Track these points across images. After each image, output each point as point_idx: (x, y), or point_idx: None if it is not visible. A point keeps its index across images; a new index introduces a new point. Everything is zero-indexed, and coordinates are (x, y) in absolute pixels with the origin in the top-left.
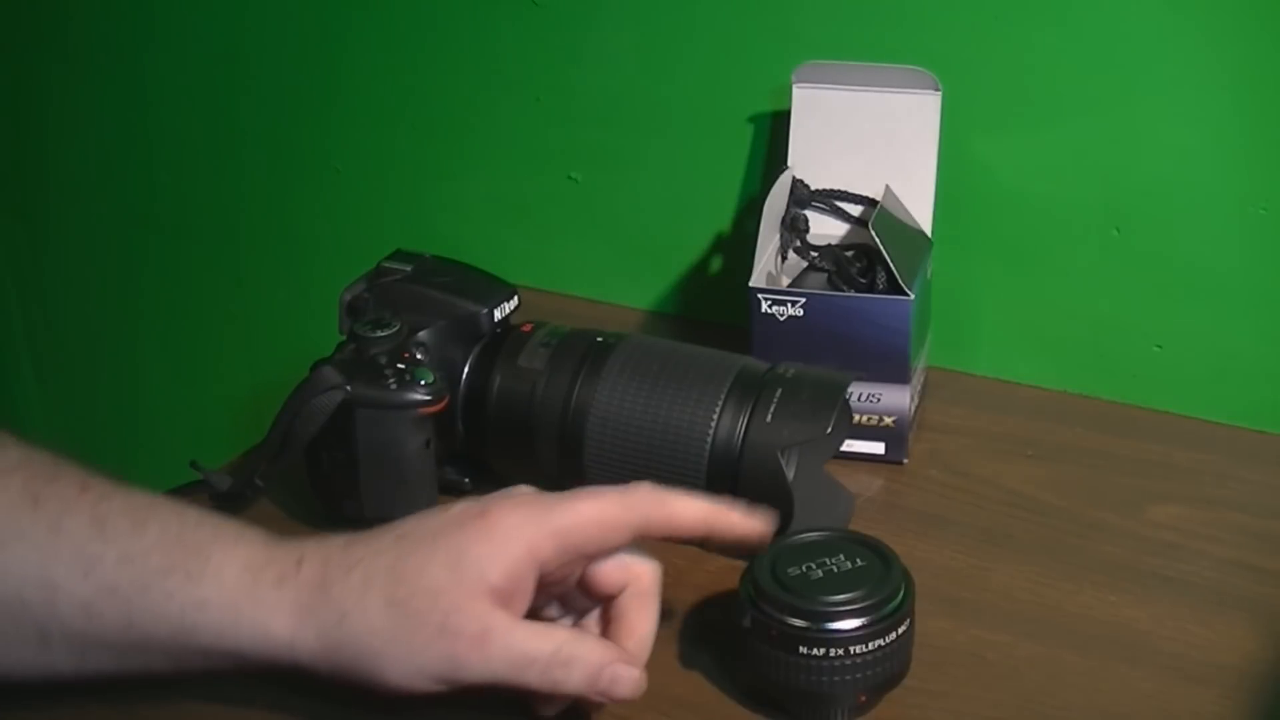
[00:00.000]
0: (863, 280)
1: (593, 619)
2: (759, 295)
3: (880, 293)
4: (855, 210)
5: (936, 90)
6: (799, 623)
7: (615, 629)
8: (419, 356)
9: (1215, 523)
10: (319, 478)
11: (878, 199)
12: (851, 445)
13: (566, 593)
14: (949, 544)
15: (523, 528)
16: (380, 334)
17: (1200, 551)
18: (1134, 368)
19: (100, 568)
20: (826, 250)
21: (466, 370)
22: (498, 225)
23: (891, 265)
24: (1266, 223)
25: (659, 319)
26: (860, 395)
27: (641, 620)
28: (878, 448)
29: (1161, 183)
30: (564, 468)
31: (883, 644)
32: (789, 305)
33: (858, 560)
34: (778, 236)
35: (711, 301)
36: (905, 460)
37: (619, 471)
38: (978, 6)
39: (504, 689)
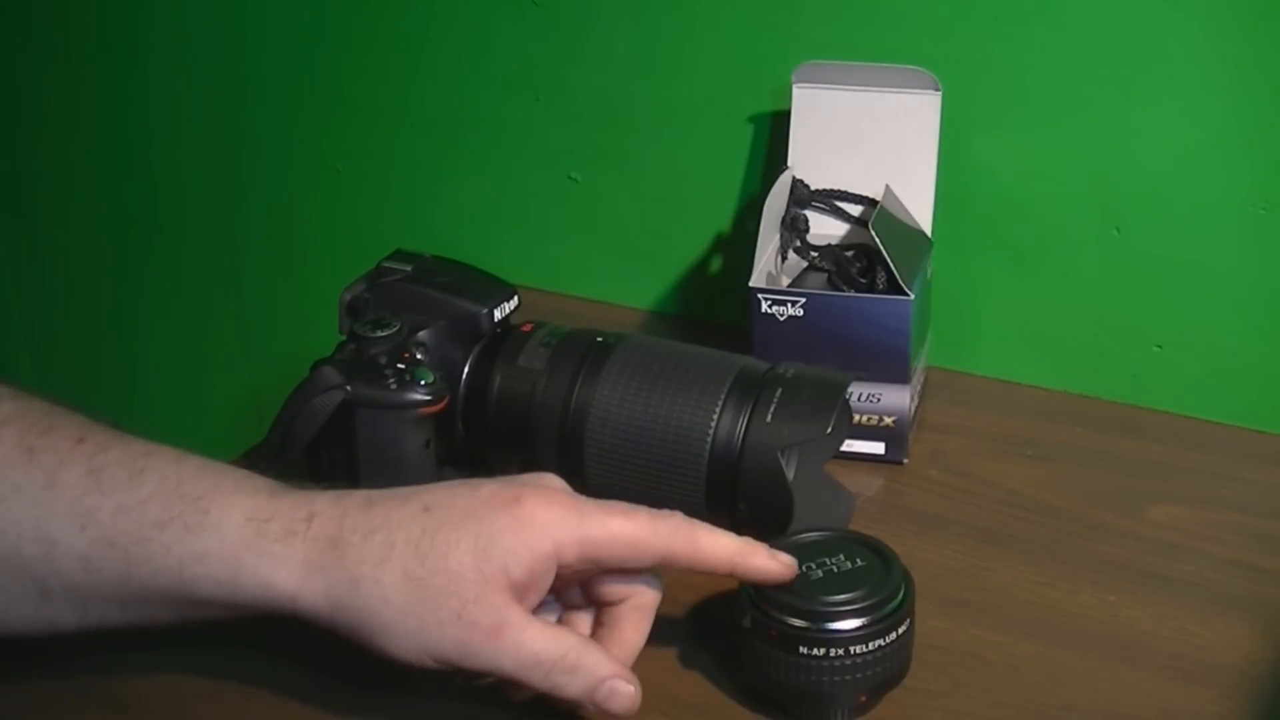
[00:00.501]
0: (863, 280)
1: (583, 617)
2: (759, 295)
3: (880, 293)
4: (855, 210)
5: (936, 90)
6: (799, 623)
7: (605, 634)
8: (419, 356)
9: (1215, 523)
10: (319, 478)
11: (878, 199)
12: (851, 445)
13: (566, 588)
14: (949, 544)
15: (554, 527)
16: (380, 334)
17: (1200, 551)
18: (1134, 368)
19: (97, 521)
20: (826, 250)
21: (466, 370)
22: (498, 225)
23: (891, 265)
24: (1266, 223)
25: (659, 319)
26: (860, 395)
27: (634, 633)
28: (878, 448)
29: (1161, 183)
30: (564, 467)
31: (883, 644)
32: (789, 305)
33: (858, 560)
34: (778, 236)
35: (711, 301)
36: (905, 460)
37: (619, 471)
38: (978, 6)
39: (502, 679)
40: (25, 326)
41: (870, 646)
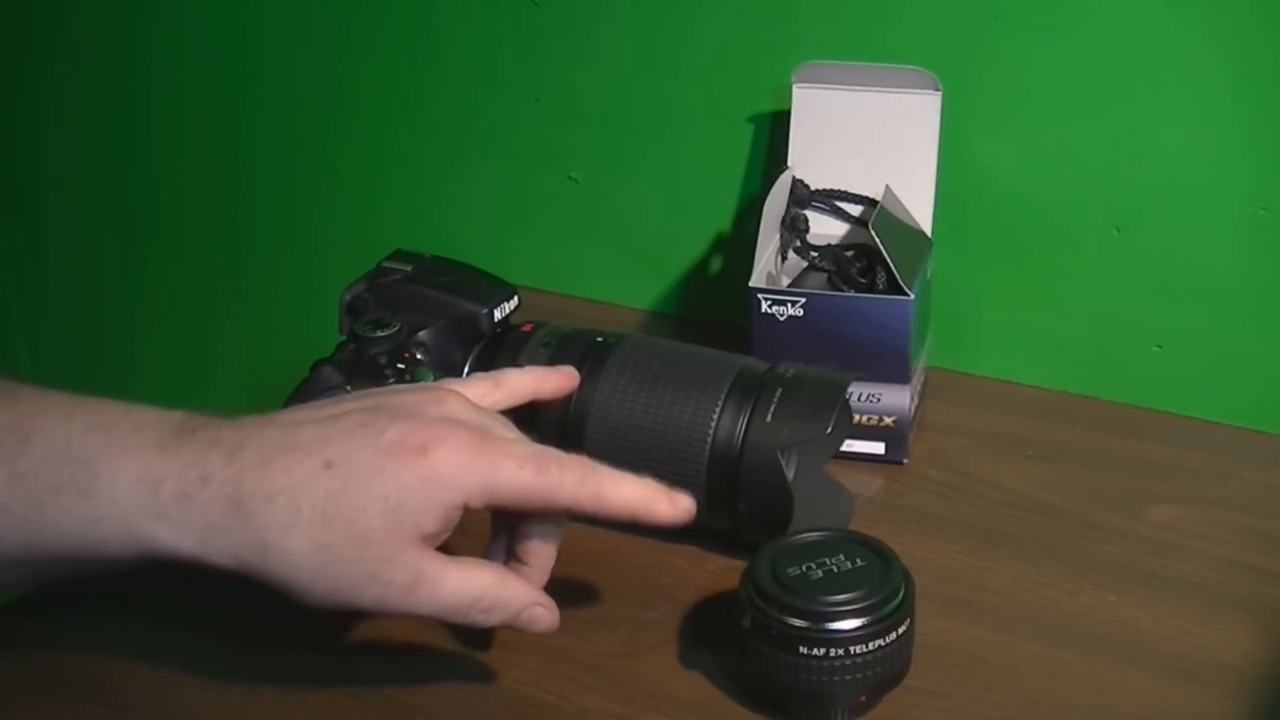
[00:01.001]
0: (863, 280)
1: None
2: (759, 295)
3: (880, 293)
4: (855, 210)
5: (936, 90)
6: (799, 623)
7: (519, 549)
8: (419, 356)
9: (1215, 523)
10: None
11: (878, 199)
12: (851, 445)
13: None
14: (949, 544)
15: (463, 478)
16: (380, 334)
17: (1200, 551)
18: (1134, 368)
19: None
20: (826, 250)
21: (466, 370)
22: (498, 225)
23: (891, 265)
24: (1266, 223)
25: (659, 319)
26: (860, 395)
27: (545, 546)
28: (878, 448)
29: (1161, 183)
30: None
31: (883, 644)
32: (789, 305)
33: (858, 560)
34: (778, 236)
35: (711, 301)
36: (905, 460)
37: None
38: (978, 6)
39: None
40: (25, 325)
41: (870, 646)
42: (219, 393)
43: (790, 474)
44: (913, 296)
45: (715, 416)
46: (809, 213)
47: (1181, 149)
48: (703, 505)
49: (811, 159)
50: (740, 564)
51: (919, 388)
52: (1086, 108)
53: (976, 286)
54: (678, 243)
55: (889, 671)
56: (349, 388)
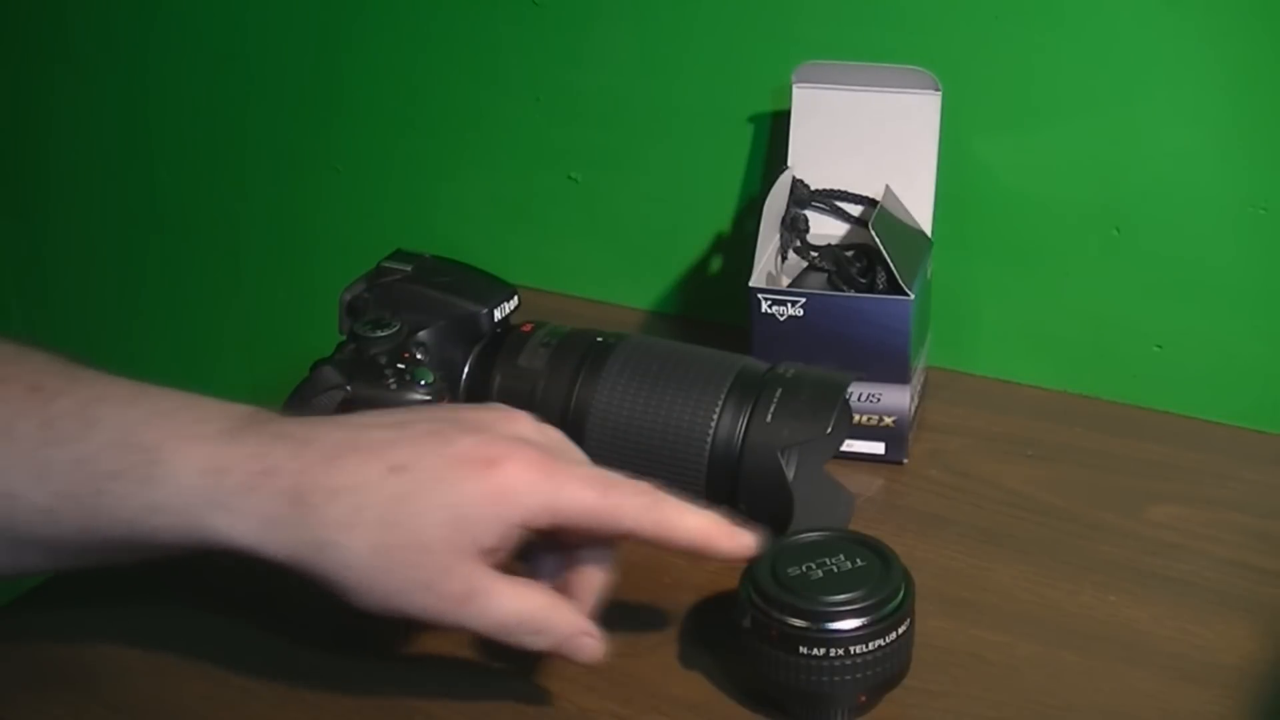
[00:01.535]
0: (863, 280)
1: (549, 556)
2: (759, 295)
3: (880, 293)
4: (855, 210)
5: (936, 90)
6: (799, 623)
7: (571, 576)
8: (419, 356)
9: (1215, 523)
10: None
11: (878, 199)
12: (851, 445)
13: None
14: (949, 544)
15: (527, 497)
16: (380, 334)
17: (1200, 551)
18: (1134, 368)
19: (54, 473)
20: (826, 250)
21: (466, 370)
22: (498, 225)
23: (891, 265)
24: (1266, 223)
25: (659, 319)
26: (860, 395)
27: (597, 574)
28: (878, 448)
29: (1161, 183)
30: None
31: (883, 644)
32: (789, 305)
33: (858, 560)
34: (778, 236)
35: (711, 301)
36: (905, 460)
37: (619, 472)
38: (978, 7)
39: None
40: (25, 326)
41: (870, 646)
42: (219, 393)
43: (790, 474)
44: (913, 296)
45: (715, 416)
46: (809, 213)
47: (1181, 149)
48: (703, 505)
49: (811, 159)
50: (740, 564)
51: (919, 388)
52: (1086, 108)
53: (976, 286)
54: (678, 243)
55: (889, 671)
56: (349, 388)
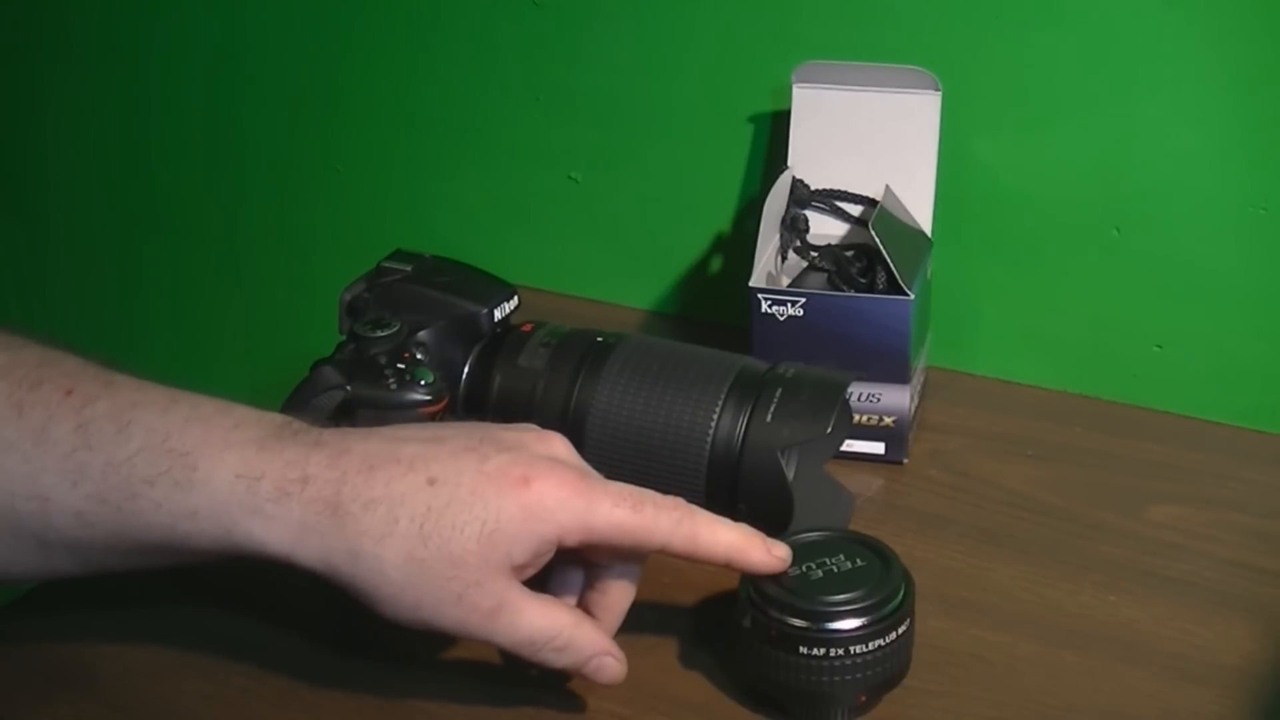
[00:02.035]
0: (863, 280)
1: (574, 573)
2: (759, 295)
3: (880, 293)
4: (855, 210)
5: (936, 90)
6: (799, 623)
7: (595, 597)
8: (419, 356)
9: (1215, 523)
10: None
11: (878, 199)
12: (851, 445)
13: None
14: (949, 544)
15: (560, 514)
16: (380, 334)
17: (1200, 551)
18: (1134, 368)
19: (88, 477)
20: (826, 250)
21: (466, 370)
22: (498, 225)
23: (891, 265)
24: (1266, 223)
25: (659, 319)
26: (860, 395)
27: (621, 597)
28: (878, 448)
29: (1161, 183)
30: None
31: (883, 644)
32: (789, 305)
33: (858, 560)
34: (778, 236)
35: (711, 301)
36: (905, 460)
37: (619, 471)
38: (978, 6)
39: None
40: (25, 325)
41: (870, 646)
42: (219, 393)
43: (790, 474)
44: (913, 296)
45: (715, 416)
46: (809, 213)
47: (1181, 149)
48: (702, 505)
49: (811, 159)
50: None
51: (919, 388)
52: (1086, 108)
53: (976, 286)
54: (678, 243)
55: (889, 671)
56: (349, 388)
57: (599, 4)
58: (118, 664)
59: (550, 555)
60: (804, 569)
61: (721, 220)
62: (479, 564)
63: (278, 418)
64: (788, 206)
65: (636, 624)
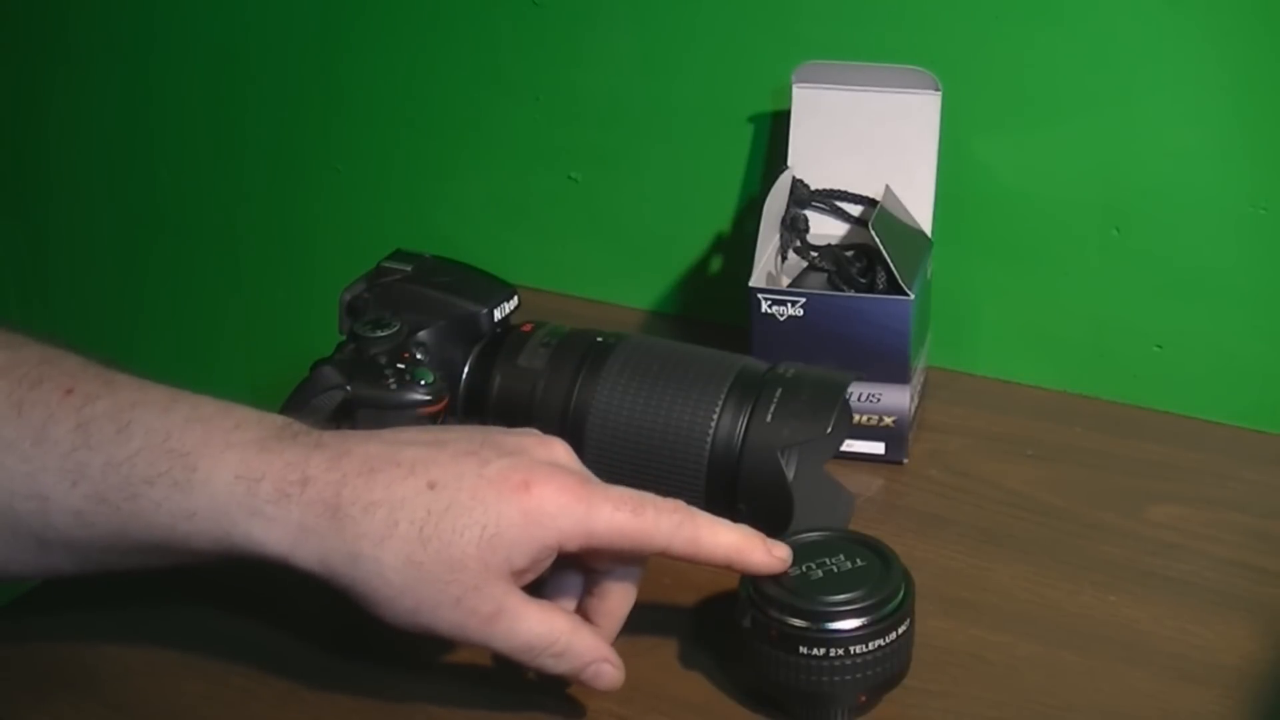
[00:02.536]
0: (863, 280)
1: (573, 578)
2: (759, 295)
3: (880, 293)
4: (855, 210)
5: (936, 90)
6: (799, 623)
7: (594, 604)
8: (419, 356)
9: (1215, 523)
10: None
11: (878, 199)
12: (851, 445)
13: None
14: (949, 544)
15: (561, 519)
16: (380, 334)
17: (1200, 551)
18: (1134, 368)
19: (87, 477)
20: (826, 250)
21: (466, 370)
22: (498, 225)
23: (891, 265)
24: (1266, 223)
25: (659, 319)
26: (860, 395)
27: (620, 603)
28: (878, 448)
29: (1161, 183)
30: None
31: (883, 644)
32: (789, 305)
33: (858, 560)
34: (778, 236)
35: (711, 301)
36: (905, 460)
37: (619, 471)
38: (978, 6)
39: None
40: (25, 325)
41: (870, 646)
42: (219, 393)
43: (790, 474)
44: (913, 296)
45: (715, 416)
46: (809, 213)
47: (1181, 149)
48: (702, 505)
49: (811, 159)
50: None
51: (919, 388)
52: (1086, 108)
53: (976, 286)
54: (678, 243)
55: (889, 671)
56: (349, 388)
57: (599, 4)
58: (118, 664)
59: (550, 561)
60: (804, 569)
61: (721, 220)
62: (478, 568)
63: (278, 419)
64: (788, 206)
65: (636, 624)
